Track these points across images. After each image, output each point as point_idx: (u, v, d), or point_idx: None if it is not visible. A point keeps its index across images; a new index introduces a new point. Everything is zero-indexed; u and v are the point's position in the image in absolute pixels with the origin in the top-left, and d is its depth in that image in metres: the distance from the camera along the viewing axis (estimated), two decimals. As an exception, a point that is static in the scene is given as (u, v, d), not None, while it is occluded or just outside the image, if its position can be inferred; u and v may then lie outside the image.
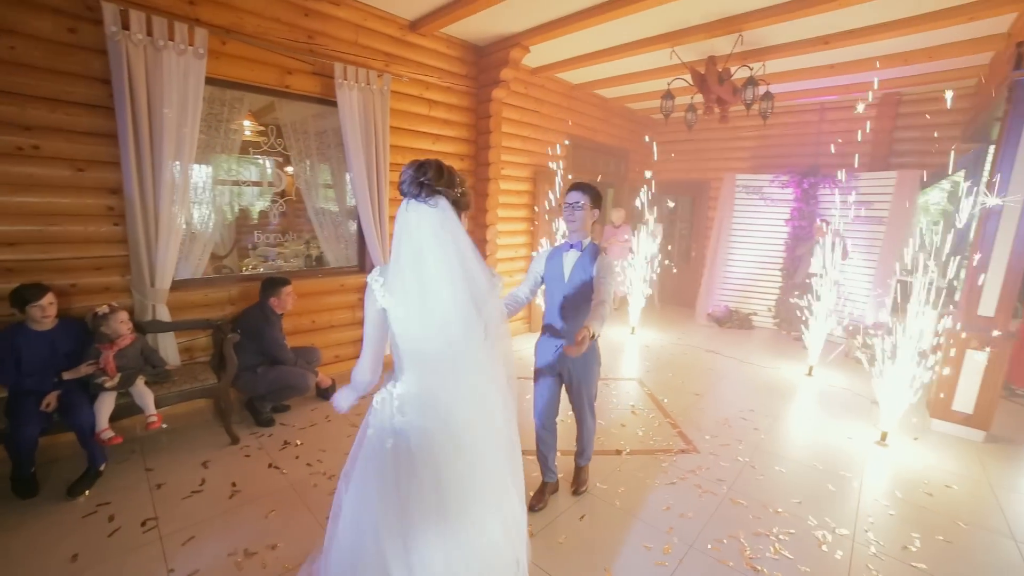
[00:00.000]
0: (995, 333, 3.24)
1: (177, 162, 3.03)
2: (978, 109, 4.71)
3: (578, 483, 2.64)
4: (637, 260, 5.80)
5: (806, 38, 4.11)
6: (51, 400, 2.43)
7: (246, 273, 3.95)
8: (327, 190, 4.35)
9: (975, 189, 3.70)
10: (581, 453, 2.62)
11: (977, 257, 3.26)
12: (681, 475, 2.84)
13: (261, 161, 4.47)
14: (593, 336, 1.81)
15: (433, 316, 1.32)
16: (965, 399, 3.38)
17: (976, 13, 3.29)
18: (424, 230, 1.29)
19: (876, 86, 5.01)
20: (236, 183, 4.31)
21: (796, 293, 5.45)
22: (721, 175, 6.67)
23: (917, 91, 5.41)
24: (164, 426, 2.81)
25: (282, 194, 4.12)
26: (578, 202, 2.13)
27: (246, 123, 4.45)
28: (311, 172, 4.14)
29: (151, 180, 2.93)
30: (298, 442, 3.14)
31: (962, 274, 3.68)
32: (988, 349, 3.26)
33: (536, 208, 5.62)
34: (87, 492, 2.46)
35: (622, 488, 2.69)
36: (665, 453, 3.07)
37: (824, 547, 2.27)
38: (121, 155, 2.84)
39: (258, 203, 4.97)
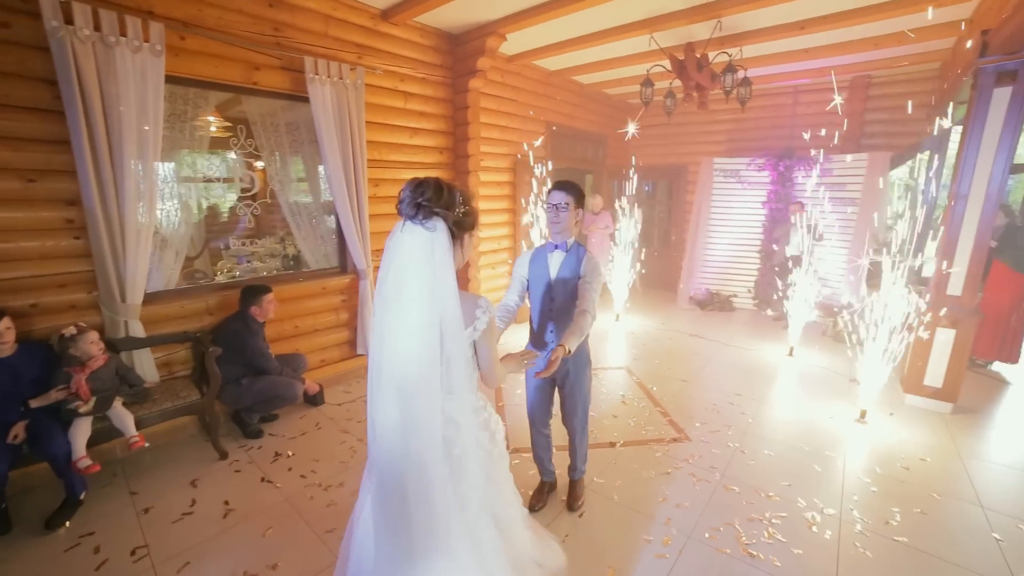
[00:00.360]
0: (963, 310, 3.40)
1: (141, 167, 2.84)
2: (942, 92, 4.86)
3: (573, 498, 2.50)
4: (619, 246, 5.83)
5: (783, 23, 4.13)
6: (18, 431, 2.29)
7: (224, 281, 3.78)
8: (301, 185, 4.18)
9: (939, 168, 3.84)
10: (574, 468, 2.50)
11: (944, 240, 3.39)
12: (675, 464, 2.90)
13: (230, 157, 4.26)
14: (568, 352, 1.80)
15: (399, 343, 1.25)
16: (935, 374, 3.56)
17: (939, 0, 3.37)
18: (414, 254, 1.23)
19: (845, 70, 5.09)
20: (206, 180, 4.12)
21: (776, 271, 5.59)
22: (699, 159, 6.73)
23: (885, 74, 5.54)
24: (147, 445, 2.68)
25: (253, 194, 3.94)
26: (563, 203, 2.06)
27: (211, 119, 4.24)
28: (283, 168, 3.95)
29: (113, 188, 2.75)
30: (290, 453, 3.07)
31: (930, 251, 3.83)
32: (956, 327, 3.42)
33: (522, 201, 5.55)
34: (67, 523, 2.35)
35: (619, 481, 2.73)
36: (658, 443, 3.14)
37: (814, 528, 2.37)
38: (76, 163, 2.64)
39: (228, 201, 4.76)
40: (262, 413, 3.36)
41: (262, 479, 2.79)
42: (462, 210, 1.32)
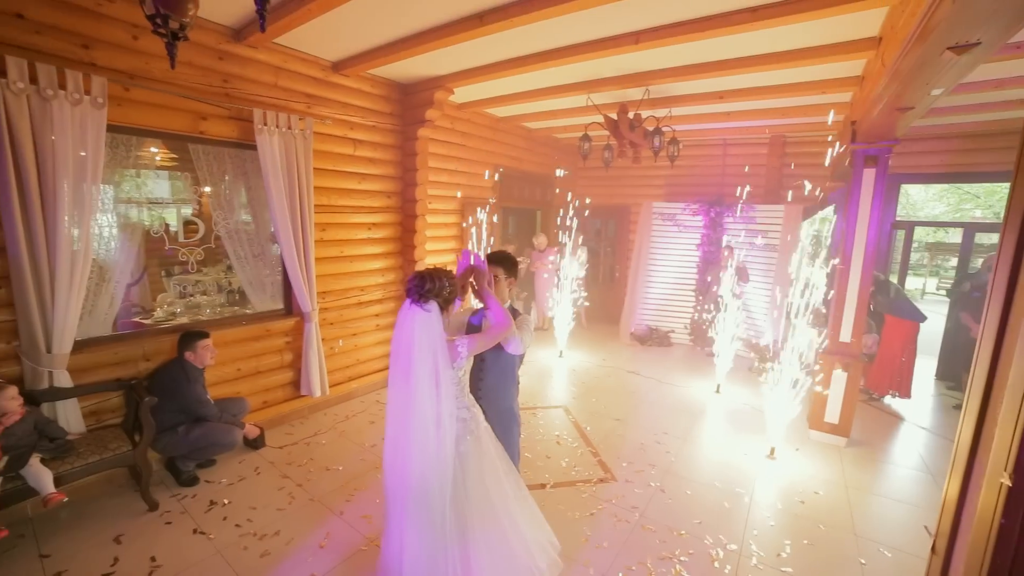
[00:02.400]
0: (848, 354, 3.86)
1: (78, 216, 2.84)
2: (840, 157, 5.53)
3: None
4: (563, 282, 6.13)
5: (704, 92, 4.62)
6: None
7: (161, 326, 3.73)
8: (246, 224, 4.18)
9: (839, 224, 4.38)
10: None
11: (835, 294, 3.87)
12: (599, 505, 3.12)
13: (172, 192, 4.24)
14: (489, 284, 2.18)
15: (411, 388, 1.86)
16: (833, 411, 3.99)
17: (825, 88, 3.99)
18: (417, 327, 1.86)
19: (763, 130, 5.71)
20: (149, 202, 4.06)
21: (709, 309, 6.04)
22: (640, 201, 7.21)
23: (797, 136, 6.24)
24: (66, 500, 2.59)
25: (196, 227, 3.93)
26: (497, 276, 2.27)
27: (155, 150, 4.20)
28: (226, 204, 3.95)
29: (43, 240, 2.72)
30: (225, 501, 3.06)
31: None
32: (848, 369, 3.88)
33: (466, 239, 5.77)
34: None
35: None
36: (586, 483, 3.35)
37: (716, 563, 2.63)
38: (2, 215, 2.61)
39: (170, 229, 4.68)
40: (198, 460, 3.32)
41: (194, 530, 2.77)
42: (448, 291, 1.95)
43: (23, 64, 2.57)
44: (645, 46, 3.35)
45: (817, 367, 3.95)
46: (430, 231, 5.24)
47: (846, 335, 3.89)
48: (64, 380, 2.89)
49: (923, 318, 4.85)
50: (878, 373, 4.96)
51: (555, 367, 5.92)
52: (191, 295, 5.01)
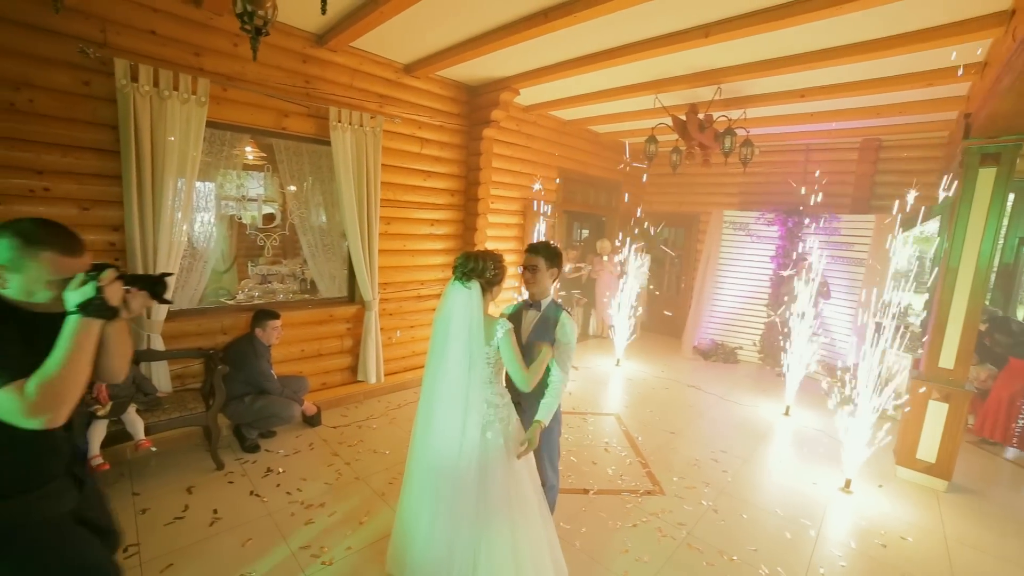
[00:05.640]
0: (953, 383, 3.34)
1: (179, 200, 3.22)
2: (949, 158, 4.87)
3: None
4: (625, 291, 5.94)
5: (783, 90, 4.30)
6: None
7: (238, 304, 4.10)
8: (319, 219, 4.52)
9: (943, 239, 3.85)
10: None
11: (934, 312, 3.38)
12: (644, 517, 2.94)
13: (260, 184, 4.67)
14: (543, 426, 2.08)
15: (445, 362, 1.93)
16: (928, 448, 3.47)
17: (934, 80, 3.50)
18: (459, 300, 1.92)
19: (853, 133, 5.18)
20: (240, 199, 4.52)
21: (782, 328, 5.56)
22: (710, 209, 6.84)
23: (896, 138, 5.59)
24: (154, 449, 2.96)
25: (275, 219, 4.30)
26: (535, 265, 2.22)
27: (248, 149, 4.69)
28: (304, 202, 4.31)
29: (151, 219, 3.12)
30: (280, 470, 3.27)
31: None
32: (949, 401, 3.36)
33: (528, 239, 5.79)
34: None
35: (584, 528, 2.79)
36: (631, 494, 3.17)
37: (771, 597, 2.37)
38: (124, 194, 3.04)
39: (256, 227, 5.18)
40: (261, 429, 3.58)
41: (251, 492, 2.98)
42: (491, 273, 1.97)
43: (150, 70, 2.99)
44: (716, 39, 3.19)
45: (907, 395, 3.47)
46: (491, 231, 5.32)
47: (947, 361, 3.38)
48: (158, 344, 3.26)
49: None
50: (985, 414, 4.25)
51: (611, 375, 5.72)
52: (269, 282, 5.50)
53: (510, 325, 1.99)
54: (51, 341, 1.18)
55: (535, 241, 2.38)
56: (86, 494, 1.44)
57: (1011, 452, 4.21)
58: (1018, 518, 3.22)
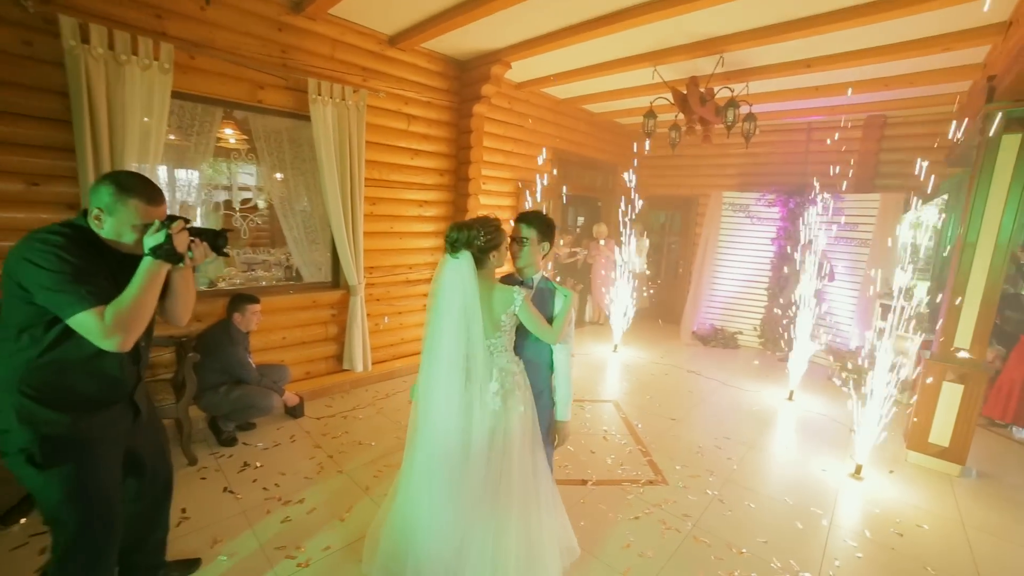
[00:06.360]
0: (969, 363, 3.18)
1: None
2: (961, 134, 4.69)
3: None
4: (621, 276, 5.75)
5: (787, 60, 4.08)
6: None
7: (214, 289, 3.87)
8: (300, 201, 4.29)
9: (954, 215, 3.68)
10: None
11: (949, 289, 3.21)
12: (647, 508, 2.76)
13: (235, 167, 4.41)
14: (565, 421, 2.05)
15: (440, 340, 1.81)
16: (941, 431, 3.32)
17: (950, 44, 3.29)
18: (449, 277, 1.81)
19: (859, 108, 4.98)
20: (216, 187, 4.27)
21: (783, 311, 5.39)
22: (708, 192, 6.64)
23: (902, 114, 5.40)
24: None
25: (255, 205, 4.06)
26: (524, 237, 1.97)
27: (228, 131, 4.44)
28: (285, 184, 4.08)
29: (111, 195, 2.87)
30: (258, 464, 3.06)
31: (939, 299, 3.64)
32: (965, 382, 3.20)
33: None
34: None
35: (583, 522, 2.60)
36: (632, 484, 3.00)
37: (785, 592, 2.20)
38: (79, 169, 2.78)
39: (235, 211, 4.93)
40: (238, 421, 3.37)
41: (225, 488, 2.78)
42: (483, 240, 1.82)
43: (103, 31, 2.72)
44: (717, 0, 2.97)
45: (919, 375, 3.31)
46: (483, 212, 5.08)
47: (963, 340, 3.21)
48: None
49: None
50: (996, 395, 4.11)
51: (609, 361, 5.54)
52: (254, 270, 5.26)
53: (526, 291, 1.90)
54: (129, 278, 1.43)
55: (527, 210, 2.13)
56: (140, 424, 1.70)
57: (1021, 433, 4.08)
58: (1036, 503, 3.08)
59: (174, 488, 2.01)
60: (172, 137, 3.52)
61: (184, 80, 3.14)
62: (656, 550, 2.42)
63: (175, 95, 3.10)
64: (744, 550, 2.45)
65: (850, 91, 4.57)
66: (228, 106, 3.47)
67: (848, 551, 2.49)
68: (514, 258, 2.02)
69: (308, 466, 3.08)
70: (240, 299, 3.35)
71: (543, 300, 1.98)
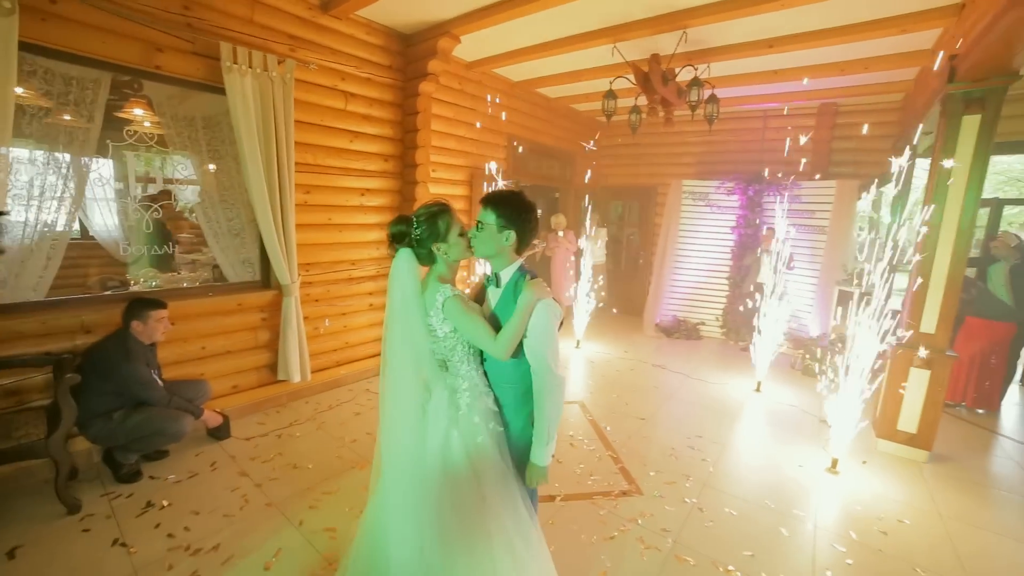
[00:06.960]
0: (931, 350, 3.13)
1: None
2: (905, 122, 4.78)
3: None
4: (582, 269, 5.50)
5: (751, 40, 3.94)
6: None
7: (110, 294, 3.25)
8: (222, 190, 3.69)
9: (902, 200, 3.66)
10: None
11: (916, 273, 3.15)
12: (622, 525, 2.48)
13: (136, 154, 3.74)
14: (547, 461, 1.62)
15: (388, 344, 1.63)
16: (909, 418, 3.27)
17: (906, 25, 3.29)
18: (391, 274, 1.61)
19: (812, 95, 4.97)
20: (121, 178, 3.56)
21: (745, 302, 5.33)
22: (668, 180, 6.51)
23: (852, 102, 5.46)
24: None
25: (154, 195, 3.43)
26: (479, 221, 1.58)
27: (139, 112, 3.72)
28: (198, 168, 3.49)
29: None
30: (165, 503, 2.54)
31: (897, 285, 3.61)
32: (931, 367, 3.15)
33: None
34: None
35: (553, 546, 2.25)
36: (604, 496, 2.71)
37: (779, 613, 1.97)
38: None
39: (135, 200, 4.22)
40: (142, 452, 2.81)
41: (115, 541, 2.24)
42: (417, 232, 1.58)
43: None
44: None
45: (887, 363, 3.24)
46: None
47: (929, 325, 3.16)
48: (-25, 350, 2.41)
49: (1019, 318, 4.03)
50: (950, 379, 4.18)
51: (571, 358, 5.27)
52: (177, 271, 4.57)
53: (453, 290, 1.58)
54: None
55: (495, 190, 1.75)
56: None
57: (965, 411, 4.17)
58: (999, 484, 3.08)
59: (41, 548, 1.49)
60: (40, 107, 2.85)
61: (44, 30, 2.51)
62: (636, 574, 2.14)
63: (36, 49, 2.49)
64: (730, 567, 2.21)
65: (806, 80, 4.55)
66: (114, 69, 2.85)
67: (838, 558, 2.31)
68: (473, 248, 1.64)
69: (229, 500, 2.58)
70: (140, 304, 2.77)
71: (508, 301, 1.59)
